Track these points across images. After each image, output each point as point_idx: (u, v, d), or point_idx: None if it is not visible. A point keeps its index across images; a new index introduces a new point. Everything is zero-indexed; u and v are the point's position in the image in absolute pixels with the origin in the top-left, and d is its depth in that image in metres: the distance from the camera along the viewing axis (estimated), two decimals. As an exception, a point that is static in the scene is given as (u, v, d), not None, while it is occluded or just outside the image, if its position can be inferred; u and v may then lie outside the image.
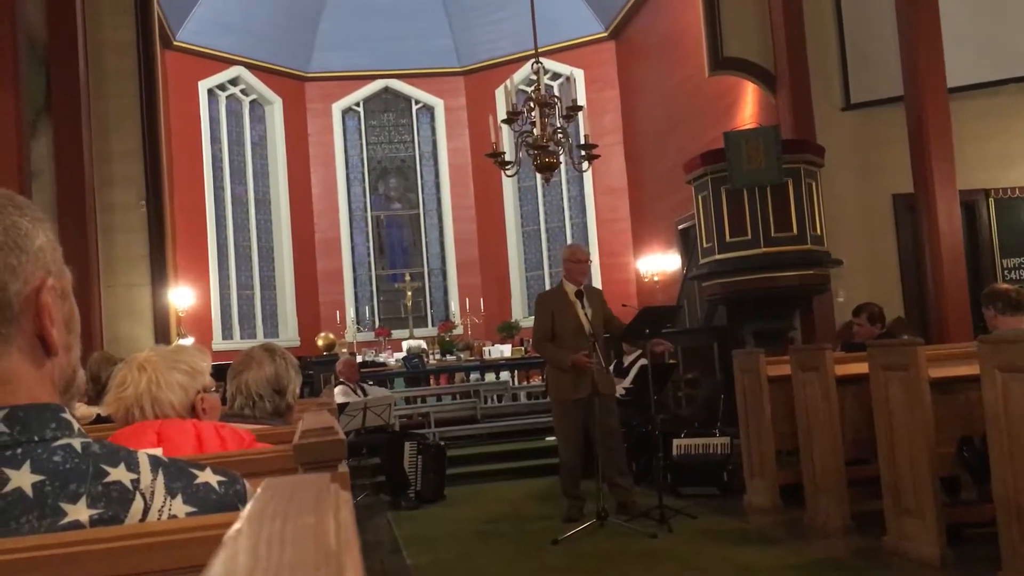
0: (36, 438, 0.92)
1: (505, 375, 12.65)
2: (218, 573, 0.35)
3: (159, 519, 0.95)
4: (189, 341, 10.94)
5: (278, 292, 16.17)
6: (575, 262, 6.67)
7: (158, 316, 8.66)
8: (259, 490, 0.50)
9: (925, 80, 7.80)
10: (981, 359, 4.13)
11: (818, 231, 7.90)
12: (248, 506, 0.48)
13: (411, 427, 9.89)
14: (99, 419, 3.57)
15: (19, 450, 0.91)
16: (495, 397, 11.79)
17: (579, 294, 6.38)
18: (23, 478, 0.90)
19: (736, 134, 8.28)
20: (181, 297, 12.67)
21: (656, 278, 13.76)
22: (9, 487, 0.89)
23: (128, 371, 2.10)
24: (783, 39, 8.97)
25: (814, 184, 7.97)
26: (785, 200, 7.73)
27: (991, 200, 8.97)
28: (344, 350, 13.40)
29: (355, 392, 8.50)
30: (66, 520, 0.90)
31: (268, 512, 0.43)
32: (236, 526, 0.42)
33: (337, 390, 8.36)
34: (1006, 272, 8.87)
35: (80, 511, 0.91)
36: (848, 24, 9.06)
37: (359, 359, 11.81)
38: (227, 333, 15.14)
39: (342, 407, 7.47)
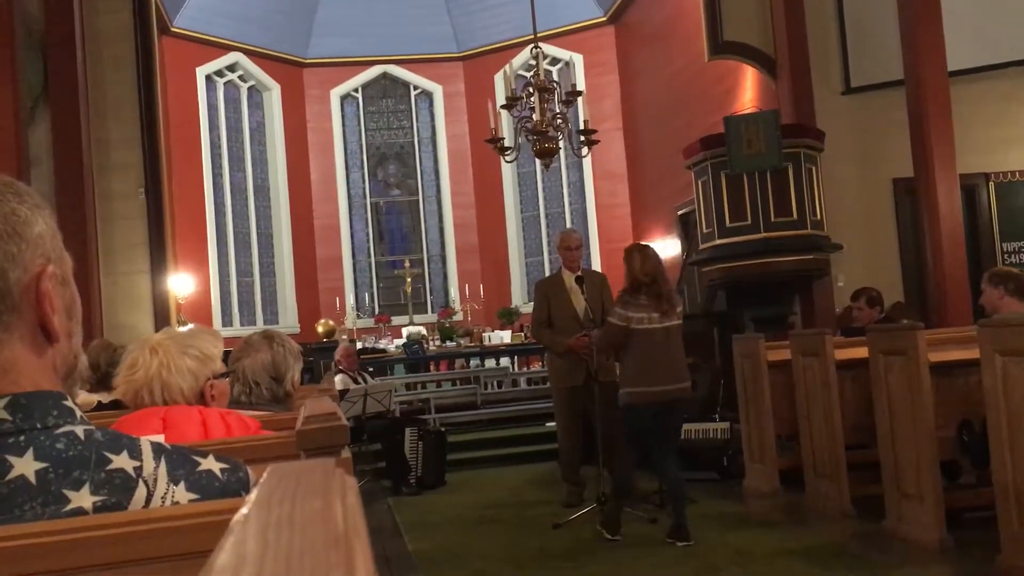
0: (39, 425, 0.92)
1: (505, 361, 12.66)
2: (228, 558, 0.35)
3: (162, 506, 0.95)
4: (185, 329, 10.93)
5: (277, 279, 16.17)
6: (565, 249, 6.68)
7: (158, 303, 8.66)
8: (265, 475, 0.50)
9: (925, 64, 7.78)
10: (981, 343, 4.14)
11: (818, 216, 7.89)
12: (255, 491, 0.48)
13: (411, 413, 9.90)
14: (100, 406, 3.58)
15: (22, 437, 0.91)
16: (495, 383, 11.80)
17: (579, 280, 6.38)
18: (26, 465, 0.90)
19: (736, 119, 8.26)
20: (181, 284, 12.67)
21: (656, 263, 13.73)
22: (12, 474, 0.90)
23: (140, 353, 2.10)
24: (783, 23, 8.94)
25: (814, 169, 7.95)
26: (785, 185, 7.72)
27: (991, 184, 8.96)
28: (344, 337, 13.41)
29: (355, 381, 8.50)
30: (69, 507, 0.90)
31: (275, 496, 0.43)
32: (243, 511, 0.42)
33: (337, 379, 8.37)
34: (1006, 256, 8.86)
35: (83, 498, 0.91)
36: (848, 8, 9.02)
37: (359, 345, 11.82)
38: (227, 320, 15.14)
39: (342, 394, 7.48)
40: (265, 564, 0.33)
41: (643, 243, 6.30)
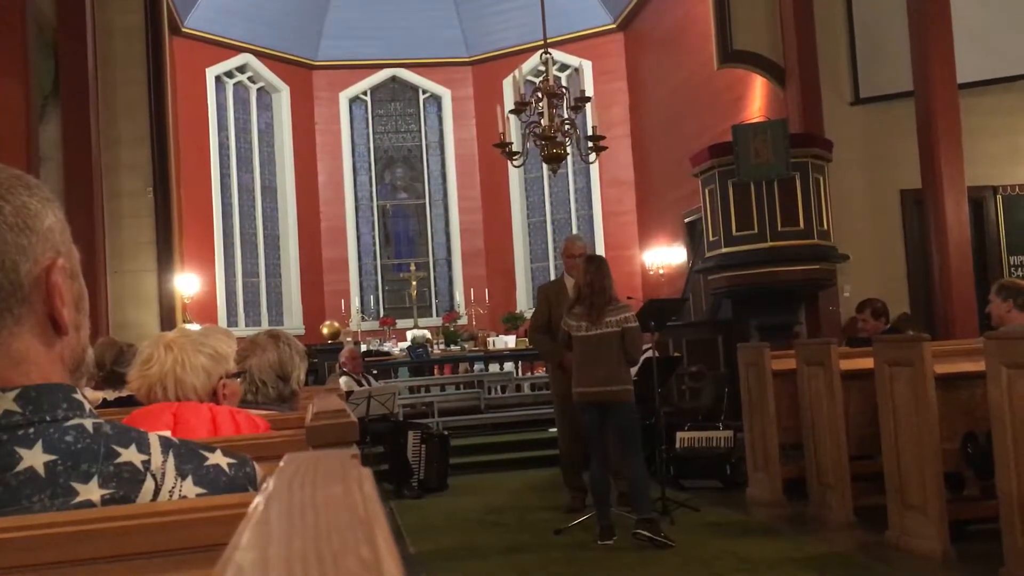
0: (48, 418, 0.92)
1: (509, 366, 12.65)
2: (254, 537, 0.35)
3: (169, 500, 0.96)
4: (194, 328, 10.94)
5: (283, 280, 16.19)
6: (568, 256, 6.67)
7: (164, 302, 8.68)
8: (282, 462, 0.50)
9: (935, 75, 7.77)
10: (987, 355, 4.13)
11: (825, 226, 7.89)
12: (273, 477, 0.48)
13: (415, 416, 9.90)
14: (105, 403, 3.59)
15: (31, 430, 0.91)
16: (499, 388, 11.78)
17: (580, 287, 6.37)
18: (35, 457, 0.90)
19: (744, 127, 8.26)
20: (187, 284, 12.68)
21: (662, 271, 13.75)
22: (21, 466, 0.90)
23: (155, 349, 2.10)
24: (792, 32, 8.94)
25: (822, 178, 7.94)
26: (792, 194, 7.71)
27: (999, 197, 8.94)
28: (349, 339, 13.41)
29: (359, 383, 8.50)
30: (77, 499, 0.90)
31: (296, 481, 0.43)
32: (260, 498, 0.42)
33: (341, 380, 8.37)
34: (1013, 269, 8.85)
35: (91, 491, 0.91)
36: (858, 18, 9.02)
37: (363, 348, 11.82)
38: (232, 320, 15.16)
39: (347, 396, 7.48)
40: (293, 542, 0.34)
41: (595, 254, 6.63)
